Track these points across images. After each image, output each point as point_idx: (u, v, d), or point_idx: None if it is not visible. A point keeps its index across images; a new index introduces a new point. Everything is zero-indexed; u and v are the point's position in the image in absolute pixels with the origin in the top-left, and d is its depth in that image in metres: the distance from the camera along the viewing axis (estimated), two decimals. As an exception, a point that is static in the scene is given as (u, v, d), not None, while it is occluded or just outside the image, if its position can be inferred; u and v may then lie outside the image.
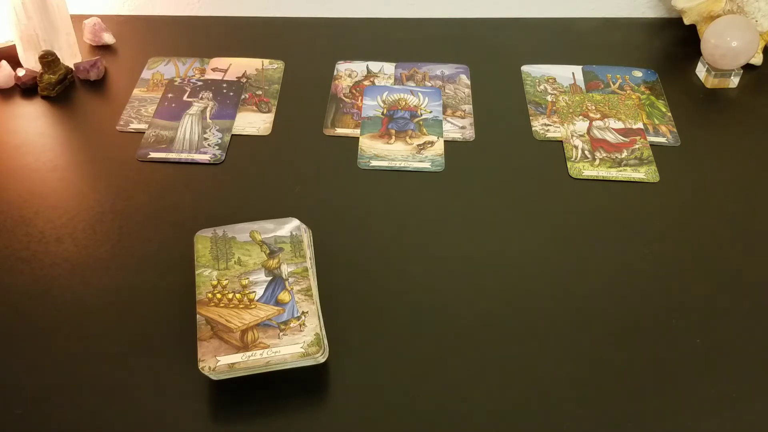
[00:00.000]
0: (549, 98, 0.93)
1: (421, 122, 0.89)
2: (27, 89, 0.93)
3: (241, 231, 0.69)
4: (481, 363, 0.64)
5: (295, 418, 0.60)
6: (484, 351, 0.65)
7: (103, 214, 0.77)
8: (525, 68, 0.98)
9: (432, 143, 0.86)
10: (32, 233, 0.75)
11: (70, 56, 0.96)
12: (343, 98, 0.93)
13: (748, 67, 0.97)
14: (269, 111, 0.91)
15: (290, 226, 0.70)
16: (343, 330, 0.66)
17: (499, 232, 0.76)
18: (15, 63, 0.95)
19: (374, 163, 0.83)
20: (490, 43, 1.02)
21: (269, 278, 0.65)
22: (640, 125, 0.88)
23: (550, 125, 0.89)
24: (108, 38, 1.00)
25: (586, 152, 0.85)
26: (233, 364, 0.60)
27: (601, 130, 0.88)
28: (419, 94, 0.93)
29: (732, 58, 0.91)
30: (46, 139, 0.86)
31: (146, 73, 0.96)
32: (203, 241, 0.69)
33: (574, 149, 0.85)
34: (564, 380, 0.63)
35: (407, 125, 0.88)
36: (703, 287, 0.71)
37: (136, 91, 0.93)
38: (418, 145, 0.86)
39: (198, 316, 0.63)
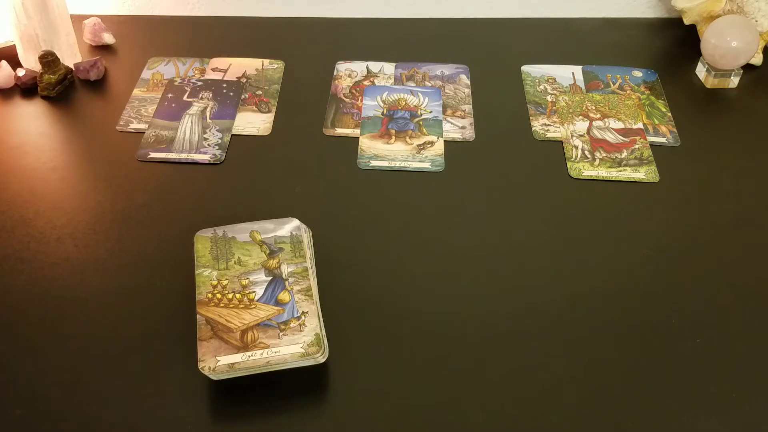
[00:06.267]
0: (549, 98, 0.93)
1: (421, 122, 0.89)
2: (27, 89, 0.93)
3: (241, 231, 0.69)
4: (481, 362, 0.64)
5: (295, 418, 0.60)
6: (483, 351, 0.65)
7: (103, 214, 0.77)
8: (525, 68, 0.98)
9: (432, 143, 0.86)
10: (32, 233, 0.75)
11: (70, 56, 0.96)
12: (343, 98, 0.93)
13: (748, 67, 0.97)
14: (269, 111, 0.91)
15: (290, 226, 0.70)
16: (343, 330, 0.66)
17: (499, 232, 0.76)
18: (15, 63, 0.95)
19: (374, 163, 0.83)
20: (490, 43, 1.02)
21: (269, 278, 0.65)
22: (640, 125, 0.88)
23: (550, 125, 0.89)
24: (108, 38, 1.00)
25: (586, 152, 0.85)
26: (233, 364, 0.59)
27: (601, 130, 0.88)
28: (419, 94, 0.93)
29: (732, 58, 0.91)
30: (46, 139, 0.86)
31: (146, 73, 0.96)
32: (203, 241, 0.69)
33: (574, 149, 0.85)
34: (564, 380, 0.63)
35: (407, 125, 0.88)
36: (703, 287, 0.71)
37: (136, 91, 0.93)
38: (418, 145, 0.86)
39: (198, 316, 0.63)
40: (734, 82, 0.95)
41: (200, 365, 0.60)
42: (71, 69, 0.94)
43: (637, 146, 0.86)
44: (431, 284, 0.70)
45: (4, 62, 0.93)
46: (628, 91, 0.94)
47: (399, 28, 1.05)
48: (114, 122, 0.89)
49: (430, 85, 0.95)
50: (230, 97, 0.92)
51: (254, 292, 0.64)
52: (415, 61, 0.99)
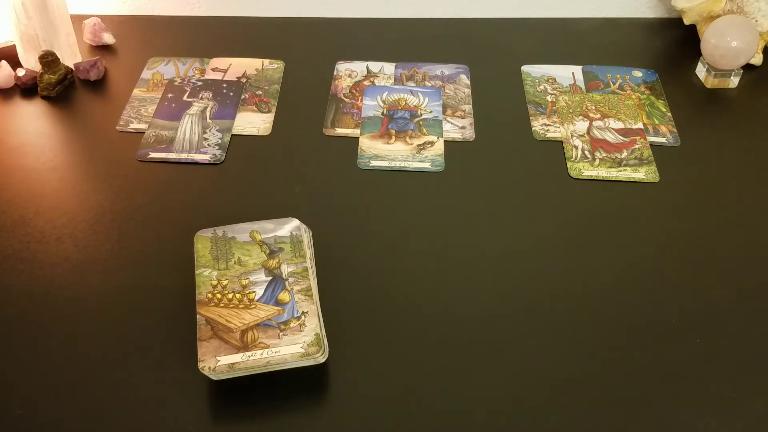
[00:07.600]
0: (549, 98, 0.93)
1: (421, 122, 0.89)
2: (27, 89, 0.93)
3: (241, 231, 0.69)
4: (481, 363, 0.64)
5: (296, 418, 0.60)
6: (483, 351, 0.65)
7: (103, 214, 0.77)
8: (525, 68, 0.98)
9: (432, 143, 0.86)
10: (32, 233, 0.75)
11: (70, 56, 0.96)
12: (343, 98, 0.93)
13: (748, 67, 0.97)
14: (269, 111, 0.91)
15: (290, 226, 0.70)
16: (343, 330, 0.66)
17: (499, 232, 0.76)
18: (15, 63, 0.95)
19: (374, 163, 0.83)
20: (490, 43, 1.02)
21: (269, 278, 0.65)
22: (640, 125, 0.88)
23: (550, 125, 0.89)
24: (108, 38, 1.00)
25: (586, 152, 0.85)
26: (233, 364, 0.60)
27: (601, 130, 0.88)
28: (419, 94, 0.93)
29: (732, 58, 0.91)
30: (46, 139, 0.86)
31: (146, 73, 0.96)
32: (203, 241, 0.69)
33: (574, 149, 0.85)
34: (564, 380, 0.63)
35: (407, 125, 0.88)
36: (703, 287, 0.71)
37: (136, 91, 0.93)
38: (418, 145, 0.86)
39: (198, 316, 0.63)
40: (734, 82, 0.95)
41: (200, 365, 0.60)
42: (71, 69, 0.94)
43: (637, 146, 0.86)
44: (431, 284, 0.70)
45: (4, 62, 0.93)
46: (628, 91, 0.94)
47: (399, 28, 1.05)
48: (114, 122, 0.89)
49: (430, 85, 0.95)
50: (230, 97, 0.92)
51: (254, 292, 0.64)
52: (415, 61, 0.99)
